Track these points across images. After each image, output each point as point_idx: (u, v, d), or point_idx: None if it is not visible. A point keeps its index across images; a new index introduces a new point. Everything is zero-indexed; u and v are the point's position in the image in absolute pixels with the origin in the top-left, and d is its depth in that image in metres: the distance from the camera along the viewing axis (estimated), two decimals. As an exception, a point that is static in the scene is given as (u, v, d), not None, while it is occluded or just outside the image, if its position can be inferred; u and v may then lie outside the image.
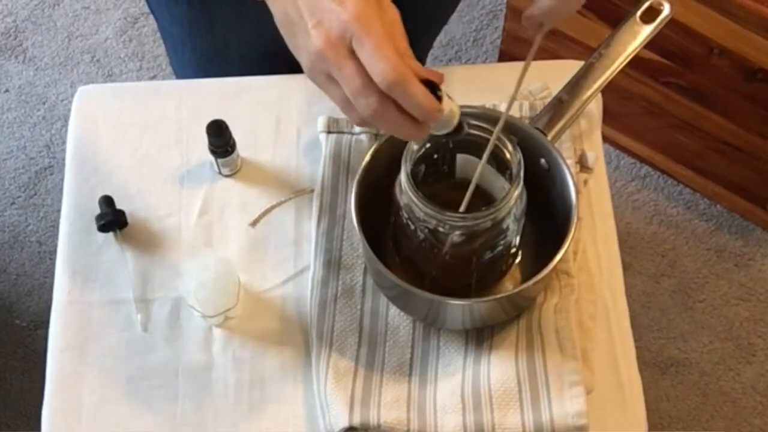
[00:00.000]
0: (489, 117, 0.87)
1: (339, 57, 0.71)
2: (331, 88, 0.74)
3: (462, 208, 0.87)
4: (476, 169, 0.87)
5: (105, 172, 1.07)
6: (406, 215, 0.89)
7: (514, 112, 1.05)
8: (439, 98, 0.73)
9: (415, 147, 0.87)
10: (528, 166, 0.86)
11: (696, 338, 1.75)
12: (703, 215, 1.84)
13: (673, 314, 1.77)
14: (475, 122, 0.88)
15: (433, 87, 0.74)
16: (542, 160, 0.94)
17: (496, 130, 0.85)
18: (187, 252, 1.01)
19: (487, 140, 0.87)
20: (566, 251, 0.89)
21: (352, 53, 0.70)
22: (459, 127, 0.78)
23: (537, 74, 1.08)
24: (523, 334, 0.94)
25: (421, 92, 0.71)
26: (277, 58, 1.02)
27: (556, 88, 0.98)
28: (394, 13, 0.74)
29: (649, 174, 1.87)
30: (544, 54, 1.71)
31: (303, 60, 0.74)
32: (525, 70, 0.83)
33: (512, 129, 0.91)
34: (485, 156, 0.85)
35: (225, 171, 1.05)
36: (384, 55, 0.69)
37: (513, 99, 0.84)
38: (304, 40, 0.73)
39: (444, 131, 0.78)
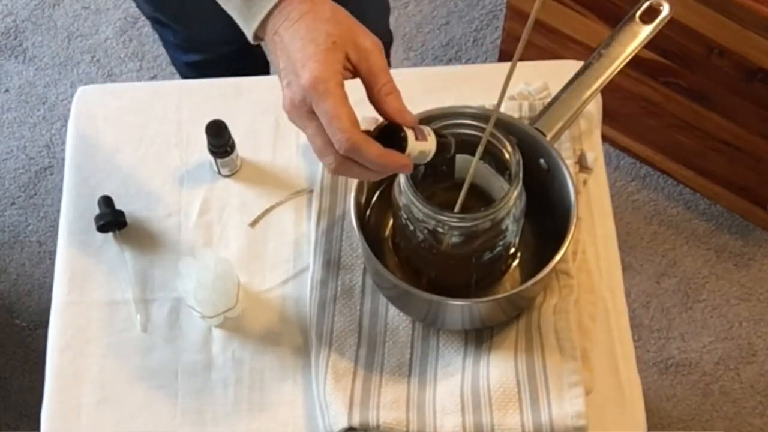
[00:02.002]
0: (488, 117, 0.87)
1: (301, 119, 0.76)
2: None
3: (457, 208, 0.87)
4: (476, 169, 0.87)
5: (105, 172, 1.07)
6: (405, 216, 0.89)
7: (514, 112, 1.05)
8: (404, 143, 0.77)
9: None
10: (527, 167, 0.86)
11: (696, 338, 1.75)
12: (703, 215, 1.84)
13: (673, 314, 1.77)
14: (475, 122, 0.88)
15: (397, 131, 0.77)
16: (542, 161, 0.94)
17: (490, 123, 0.85)
18: (187, 252, 1.01)
19: (487, 140, 0.87)
20: (566, 251, 0.89)
21: (314, 115, 0.75)
22: (443, 149, 0.81)
23: (537, 74, 1.08)
24: (522, 335, 0.94)
25: (376, 154, 0.75)
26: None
27: (556, 88, 0.98)
28: (370, 44, 0.78)
29: (649, 174, 1.87)
30: (544, 54, 1.71)
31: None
32: (525, 37, 0.82)
33: (512, 129, 0.91)
34: (478, 152, 0.85)
35: (224, 171, 1.05)
36: (337, 127, 0.74)
37: (510, 74, 0.83)
38: (282, 93, 0.78)
39: (422, 163, 0.81)
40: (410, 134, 0.78)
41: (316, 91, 0.74)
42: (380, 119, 0.79)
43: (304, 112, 0.76)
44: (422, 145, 0.79)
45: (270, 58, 0.81)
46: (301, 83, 0.75)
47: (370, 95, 0.79)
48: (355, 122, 0.75)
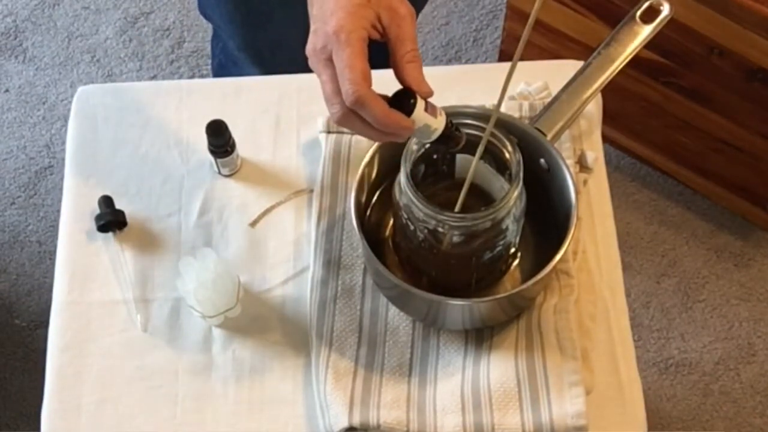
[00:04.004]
0: (488, 117, 0.87)
1: (319, 65, 0.78)
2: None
3: (457, 208, 0.87)
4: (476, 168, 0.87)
5: (105, 172, 1.07)
6: (405, 215, 0.89)
7: (514, 112, 1.05)
8: (410, 109, 0.78)
9: (415, 147, 0.87)
10: (528, 167, 0.86)
11: (696, 338, 1.75)
12: (703, 215, 1.84)
13: (673, 314, 1.77)
14: (475, 122, 0.88)
15: (409, 96, 0.78)
16: (542, 160, 0.94)
17: (490, 123, 0.85)
18: (187, 252, 1.01)
19: (487, 140, 0.87)
20: (566, 251, 0.89)
21: (331, 62, 0.77)
22: (451, 138, 0.82)
23: (537, 74, 1.08)
24: (522, 335, 0.94)
25: (380, 112, 0.76)
26: None
27: (556, 88, 0.98)
28: (404, 10, 0.79)
29: (649, 174, 1.87)
30: (544, 54, 1.71)
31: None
32: (525, 37, 0.82)
33: (512, 129, 0.91)
34: (478, 152, 0.85)
35: (225, 171, 1.05)
36: (349, 77, 0.75)
37: (510, 74, 0.83)
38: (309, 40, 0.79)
39: (426, 140, 0.82)
40: (420, 103, 0.79)
41: (338, 39, 0.76)
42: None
43: (322, 58, 0.77)
44: (429, 119, 0.80)
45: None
46: (326, 29, 0.76)
47: (393, 60, 0.79)
48: (367, 77, 0.76)
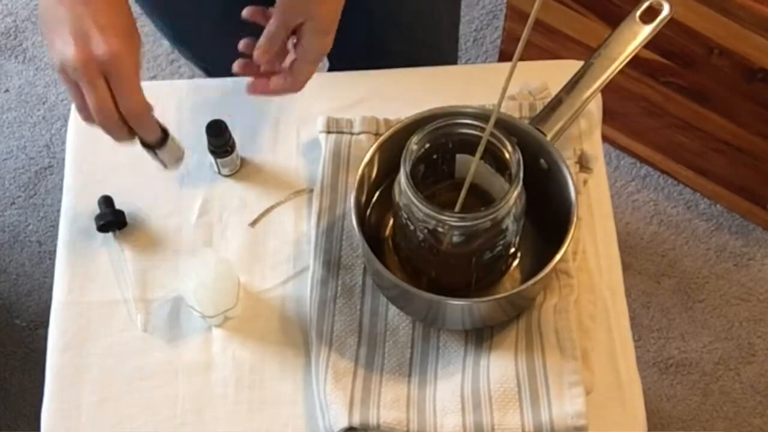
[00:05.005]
0: (488, 117, 0.87)
1: (93, 77, 0.80)
2: (73, 91, 0.82)
3: (457, 208, 0.87)
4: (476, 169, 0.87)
5: (105, 172, 1.07)
6: (405, 215, 0.89)
7: (514, 112, 1.05)
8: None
9: (415, 147, 0.87)
10: (528, 166, 0.86)
11: (696, 338, 1.75)
12: (703, 215, 1.84)
13: (673, 314, 1.77)
14: (475, 122, 0.88)
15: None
16: (542, 160, 0.94)
17: (490, 123, 0.85)
18: (187, 252, 1.01)
19: (487, 140, 0.87)
20: (566, 251, 0.89)
21: (103, 75, 0.79)
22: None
23: (537, 74, 1.08)
24: (522, 335, 0.94)
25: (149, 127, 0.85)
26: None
27: (556, 88, 0.98)
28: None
29: (649, 174, 1.87)
30: (544, 54, 1.71)
31: (54, 59, 0.81)
32: (525, 37, 0.81)
33: (512, 129, 0.91)
34: (478, 152, 0.85)
35: (225, 171, 1.05)
36: (133, 97, 0.81)
37: (510, 74, 0.83)
38: (62, 45, 0.80)
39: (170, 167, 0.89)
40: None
41: (116, 60, 0.82)
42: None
43: (96, 70, 0.81)
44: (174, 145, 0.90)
45: None
46: (104, 48, 0.82)
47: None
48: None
